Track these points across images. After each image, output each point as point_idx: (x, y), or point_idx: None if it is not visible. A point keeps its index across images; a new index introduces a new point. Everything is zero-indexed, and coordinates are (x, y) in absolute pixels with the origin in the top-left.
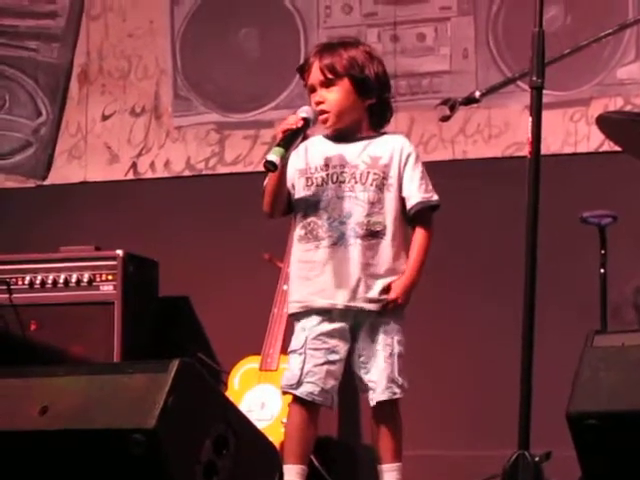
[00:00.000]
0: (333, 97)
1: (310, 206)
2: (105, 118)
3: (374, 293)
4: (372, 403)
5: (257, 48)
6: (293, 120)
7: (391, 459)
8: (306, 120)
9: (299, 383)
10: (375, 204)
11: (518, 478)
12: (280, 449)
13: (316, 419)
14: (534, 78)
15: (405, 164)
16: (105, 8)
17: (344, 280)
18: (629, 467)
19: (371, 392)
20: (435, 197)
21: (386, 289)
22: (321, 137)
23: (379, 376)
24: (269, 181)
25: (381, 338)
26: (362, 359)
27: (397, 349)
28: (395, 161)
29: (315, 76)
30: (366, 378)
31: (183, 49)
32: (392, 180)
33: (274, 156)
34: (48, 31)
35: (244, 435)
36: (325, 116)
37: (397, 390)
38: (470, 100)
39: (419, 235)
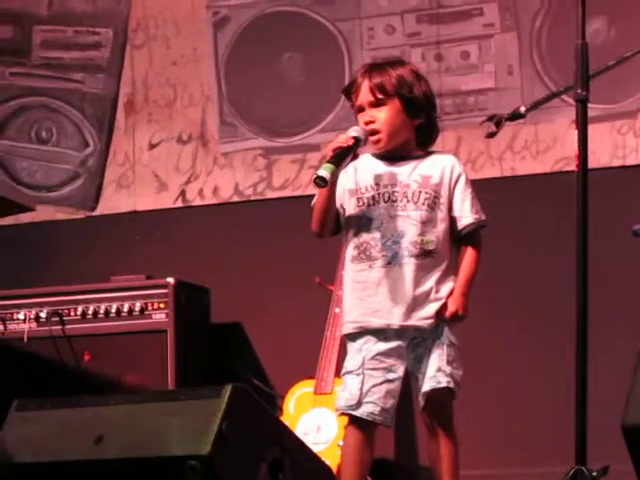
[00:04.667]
0: (383, 117)
1: (362, 226)
2: (152, 147)
3: (429, 311)
4: (421, 402)
5: (301, 72)
6: (344, 139)
7: (449, 479)
8: (356, 139)
9: (359, 403)
10: (427, 223)
11: None
12: (337, 472)
13: (372, 440)
14: (578, 91)
15: (455, 184)
16: (149, 37)
17: (399, 300)
18: None
19: (420, 390)
20: (484, 217)
21: (441, 310)
22: (369, 156)
23: (427, 367)
24: (318, 199)
25: (435, 339)
26: (419, 359)
27: (447, 339)
28: (446, 180)
29: (364, 96)
30: (420, 377)
31: (227, 75)
32: (443, 199)
33: (324, 171)
34: (93, 62)
35: (300, 458)
36: (377, 137)
37: (442, 379)
38: (516, 116)
39: (470, 252)
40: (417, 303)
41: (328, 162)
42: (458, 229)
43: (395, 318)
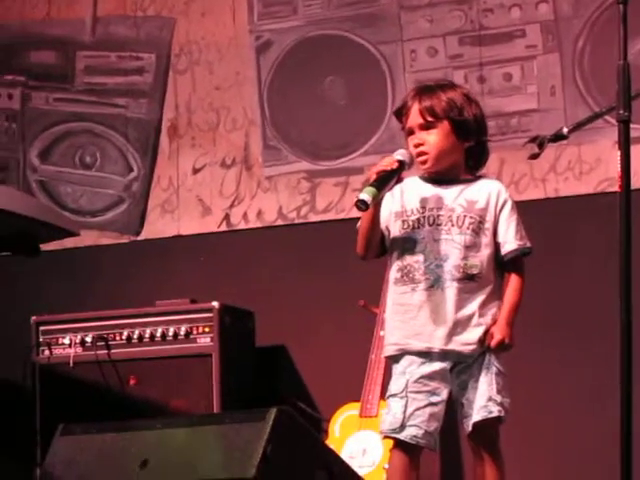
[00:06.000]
0: (433, 139)
1: (406, 249)
2: (196, 171)
3: (471, 337)
4: (468, 428)
5: (344, 95)
6: (388, 162)
7: None
8: (401, 162)
9: (402, 427)
10: (471, 247)
11: None
12: None
13: (418, 463)
14: (620, 111)
15: (501, 210)
16: (191, 62)
17: (440, 323)
18: None
19: (467, 418)
20: (529, 244)
21: (483, 337)
22: (417, 178)
23: (476, 396)
24: (362, 222)
25: (482, 367)
26: (463, 386)
27: (495, 368)
28: (491, 206)
29: (414, 119)
30: (466, 403)
31: (270, 99)
32: (488, 224)
33: (366, 195)
34: (136, 87)
35: None
36: (424, 157)
37: (494, 409)
38: (558, 137)
39: (514, 280)
40: (458, 327)
41: (371, 185)
42: (501, 255)
43: (436, 341)
